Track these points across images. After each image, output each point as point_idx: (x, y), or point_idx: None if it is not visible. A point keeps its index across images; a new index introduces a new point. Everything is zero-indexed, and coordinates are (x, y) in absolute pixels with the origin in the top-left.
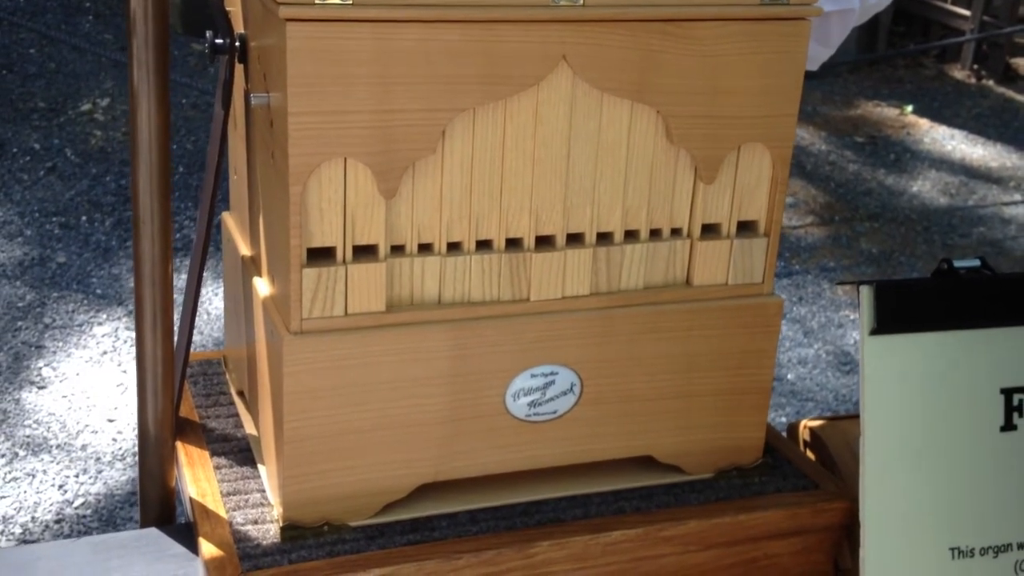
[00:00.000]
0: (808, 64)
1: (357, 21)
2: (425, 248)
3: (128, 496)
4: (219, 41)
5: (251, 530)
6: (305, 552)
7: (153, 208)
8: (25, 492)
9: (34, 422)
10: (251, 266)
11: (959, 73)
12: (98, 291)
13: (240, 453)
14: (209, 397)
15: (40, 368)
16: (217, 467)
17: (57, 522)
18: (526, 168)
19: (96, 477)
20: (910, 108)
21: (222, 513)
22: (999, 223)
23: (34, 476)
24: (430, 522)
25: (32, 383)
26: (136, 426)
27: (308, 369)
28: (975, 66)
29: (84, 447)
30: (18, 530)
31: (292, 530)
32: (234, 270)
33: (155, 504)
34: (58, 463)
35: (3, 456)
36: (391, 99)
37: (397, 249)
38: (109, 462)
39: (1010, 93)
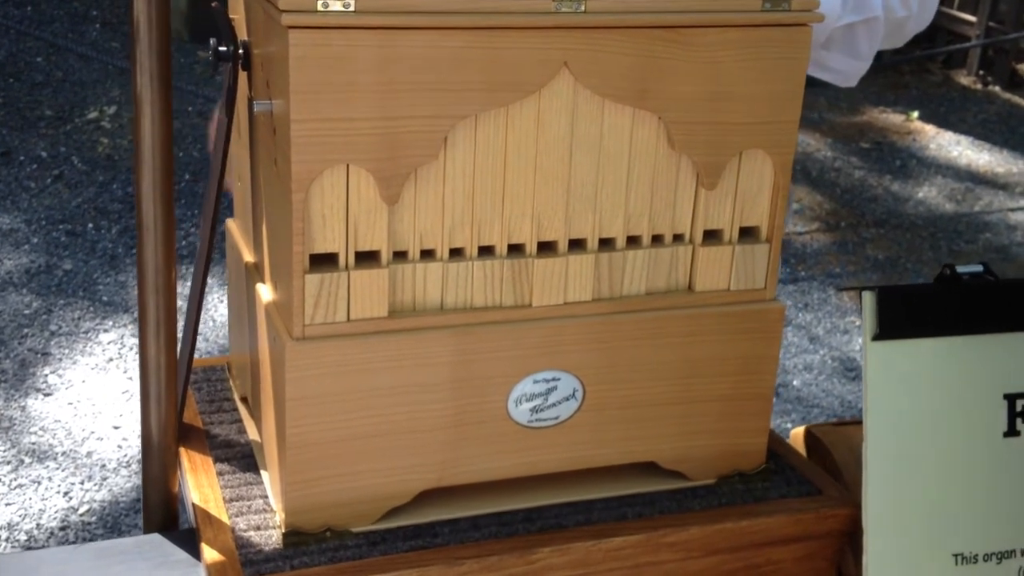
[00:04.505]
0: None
1: (360, 28)
2: (427, 254)
3: (133, 503)
4: (223, 49)
5: (253, 536)
6: (307, 558)
7: (156, 215)
8: (30, 499)
9: (40, 429)
10: (254, 272)
11: (965, 79)
12: (104, 298)
13: (243, 459)
14: (213, 403)
15: (46, 375)
16: (220, 473)
17: (62, 529)
18: (528, 174)
19: (101, 484)
20: (916, 114)
21: (225, 519)
22: (1005, 229)
23: (39, 483)
24: (432, 528)
25: (38, 390)
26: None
27: (311, 375)
28: (981, 72)
29: (89, 454)
30: (23, 537)
31: (294, 536)
32: (238, 276)
33: (158, 510)
34: (63, 470)
35: (9, 463)
36: (393, 106)
37: (399, 255)
38: (114, 469)
39: (1016, 99)
